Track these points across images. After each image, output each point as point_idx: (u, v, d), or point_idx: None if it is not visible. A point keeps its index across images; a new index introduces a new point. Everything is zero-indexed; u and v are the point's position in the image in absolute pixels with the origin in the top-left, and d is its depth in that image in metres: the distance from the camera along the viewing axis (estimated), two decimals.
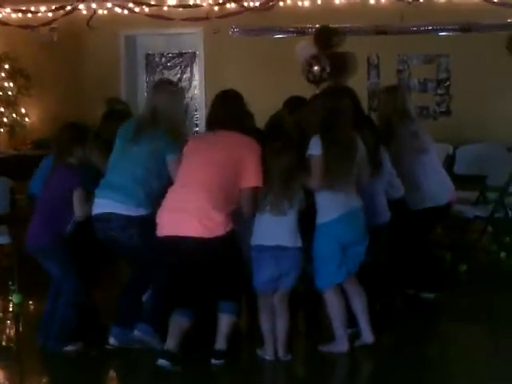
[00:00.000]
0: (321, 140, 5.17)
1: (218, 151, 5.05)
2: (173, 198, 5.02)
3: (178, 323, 4.98)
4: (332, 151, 5.14)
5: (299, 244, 5.12)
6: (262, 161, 5.07)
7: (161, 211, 5.01)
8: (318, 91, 7.37)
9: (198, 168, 5.03)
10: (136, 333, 5.10)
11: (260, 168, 5.04)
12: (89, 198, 5.25)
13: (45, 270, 5.35)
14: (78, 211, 5.27)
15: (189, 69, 11.49)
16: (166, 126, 5.29)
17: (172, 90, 5.60)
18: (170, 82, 5.95)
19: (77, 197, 5.25)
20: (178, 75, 11.52)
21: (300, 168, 5.14)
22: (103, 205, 5.19)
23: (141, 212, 5.14)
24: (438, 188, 6.44)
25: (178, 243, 4.91)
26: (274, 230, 5.05)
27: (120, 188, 5.14)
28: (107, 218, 5.18)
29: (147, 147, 5.20)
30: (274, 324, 5.13)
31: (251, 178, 5.03)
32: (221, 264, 4.98)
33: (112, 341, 5.25)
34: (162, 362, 4.88)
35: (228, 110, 5.27)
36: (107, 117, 6.09)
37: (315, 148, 5.17)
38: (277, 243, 5.03)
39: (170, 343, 4.93)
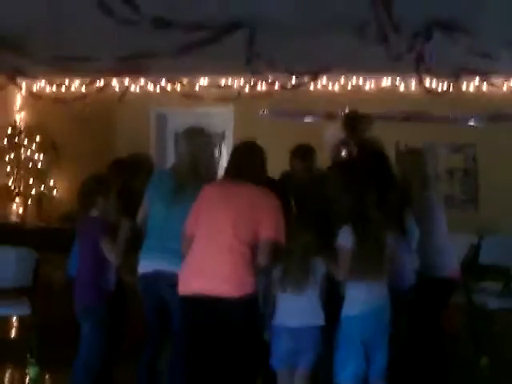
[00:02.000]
0: (352, 231, 5.11)
1: (240, 202, 4.94)
2: (200, 259, 4.91)
3: None
4: (363, 245, 5.09)
5: (320, 323, 5.09)
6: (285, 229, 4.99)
7: (187, 271, 4.92)
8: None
9: (223, 221, 4.88)
10: None
11: (281, 223, 4.95)
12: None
13: (80, 336, 5.29)
14: (113, 258, 5.25)
15: (217, 148, 11.14)
16: (206, 175, 5.23)
17: (207, 138, 5.52)
18: (202, 130, 5.64)
19: (105, 245, 5.23)
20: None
21: (322, 247, 5.15)
22: (151, 265, 5.16)
23: None
24: (443, 259, 6.26)
25: (206, 302, 4.82)
26: (294, 309, 5.04)
27: (169, 250, 5.07)
28: (156, 275, 5.15)
29: (193, 200, 5.05)
30: None
31: (271, 228, 4.90)
32: (242, 334, 4.85)
33: None
34: None
35: (252, 161, 5.18)
36: (134, 170, 6.10)
37: (346, 240, 5.11)
38: (296, 325, 5.01)
39: None
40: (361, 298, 5.07)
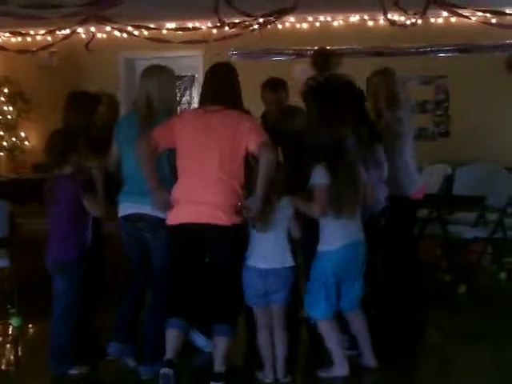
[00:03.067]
0: (325, 169, 5.07)
1: (222, 131, 4.95)
2: (188, 191, 4.97)
3: (176, 335, 4.95)
4: (338, 180, 5.04)
5: (289, 264, 5.08)
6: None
7: (178, 203, 4.97)
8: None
9: (208, 154, 4.93)
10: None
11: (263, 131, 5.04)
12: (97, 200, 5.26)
13: (54, 289, 5.31)
14: (96, 211, 5.26)
15: (188, 92, 11.62)
16: (163, 112, 5.19)
17: (163, 74, 5.42)
18: (159, 66, 5.53)
19: (87, 203, 5.22)
20: (178, 98, 11.25)
21: (287, 182, 5.07)
22: (132, 207, 5.19)
23: None
24: (408, 178, 6.28)
25: (194, 230, 4.93)
26: (263, 249, 5.02)
27: (147, 193, 5.04)
28: (138, 218, 5.19)
29: None
30: (273, 345, 5.09)
31: (258, 135, 4.96)
32: (228, 261, 5.00)
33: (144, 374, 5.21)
34: (165, 370, 4.82)
35: (227, 82, 5.16)
36: (93, 102, 5.89)
37: (319, 177, 5.07)
38: (265, 267, 5.01)
39: (170, 354, 4.90)
40: (336, 235, 5.09)
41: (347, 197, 5.06)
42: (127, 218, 5.25)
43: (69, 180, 5.24)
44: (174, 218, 4.98)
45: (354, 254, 5.14)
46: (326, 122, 5.20)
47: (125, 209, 5.26)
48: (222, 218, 4.84)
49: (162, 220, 5.03)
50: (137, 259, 5.40)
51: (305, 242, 5.40)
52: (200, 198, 4.89)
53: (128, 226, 5.27)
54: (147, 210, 5.09)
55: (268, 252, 4.99)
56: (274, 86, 6.35)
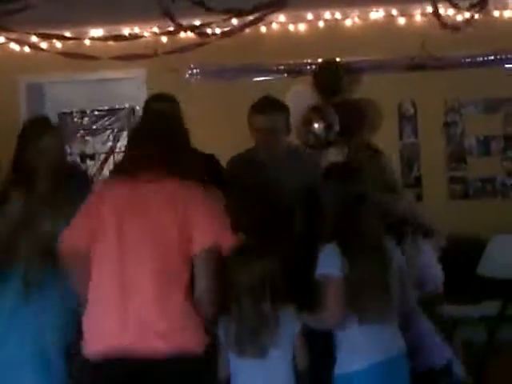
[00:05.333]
0: (339, 250, 4.29)
1: (153, 218, 4.10)
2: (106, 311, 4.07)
3: None
4: (358, 268, 4.29)
5: None
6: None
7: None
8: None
9: (134, 256, 4.02)
10: None
11: (225, 220, 4.17)
12: None
13: None
14: None
15: (125, 133, 9.90)
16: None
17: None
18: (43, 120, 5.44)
19: None
20: (110, 143, 10.02)
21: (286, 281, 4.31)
22: None
23: None
24: None
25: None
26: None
27: None
28: None
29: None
30: None
31: (209, 231, 4.12)
32: None
33: None
34: None
35: (166, 130, 4.38)
36: None
37: (332, 264, 4.25)
38: None
39: None
40: (365, 347, 4.26)
41: (373, 290, 4.31)
42: None
43: None
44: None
45: (393, 374, 4.28)
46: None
47: None
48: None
49: None
50: None
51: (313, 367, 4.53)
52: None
53: None
54: None
55: None
56: (269, 108, 5.45)
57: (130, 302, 4.02)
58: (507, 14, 8.82)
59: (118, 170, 4.55)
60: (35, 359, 4.53)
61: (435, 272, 5.20)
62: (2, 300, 4.63)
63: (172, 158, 4.21)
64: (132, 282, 4.02)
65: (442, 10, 7.96)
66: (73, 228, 4.17)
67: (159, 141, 4.24)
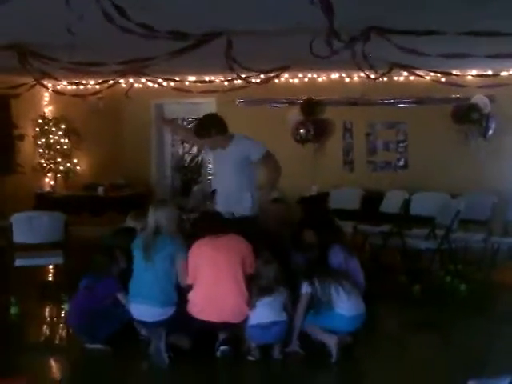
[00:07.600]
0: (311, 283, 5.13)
1: (225, 253, 5.09)
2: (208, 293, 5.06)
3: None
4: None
5: (284, 318, 5.11)
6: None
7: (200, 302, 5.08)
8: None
9: (223, 265, 5.06)
10: None
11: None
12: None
13: None
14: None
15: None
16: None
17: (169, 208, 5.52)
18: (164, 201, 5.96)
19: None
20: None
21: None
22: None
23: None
24: None
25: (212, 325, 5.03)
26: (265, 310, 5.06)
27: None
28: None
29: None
30: None
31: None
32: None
33: None
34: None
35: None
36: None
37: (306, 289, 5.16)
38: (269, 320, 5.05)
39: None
40: None
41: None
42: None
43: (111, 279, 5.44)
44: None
45: None
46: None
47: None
48: None
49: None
50: None
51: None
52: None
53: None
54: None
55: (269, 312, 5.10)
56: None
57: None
58: (401, 78, 9.99)
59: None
60: (160, 292, 5.12)
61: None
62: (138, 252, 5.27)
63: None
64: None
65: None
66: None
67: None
